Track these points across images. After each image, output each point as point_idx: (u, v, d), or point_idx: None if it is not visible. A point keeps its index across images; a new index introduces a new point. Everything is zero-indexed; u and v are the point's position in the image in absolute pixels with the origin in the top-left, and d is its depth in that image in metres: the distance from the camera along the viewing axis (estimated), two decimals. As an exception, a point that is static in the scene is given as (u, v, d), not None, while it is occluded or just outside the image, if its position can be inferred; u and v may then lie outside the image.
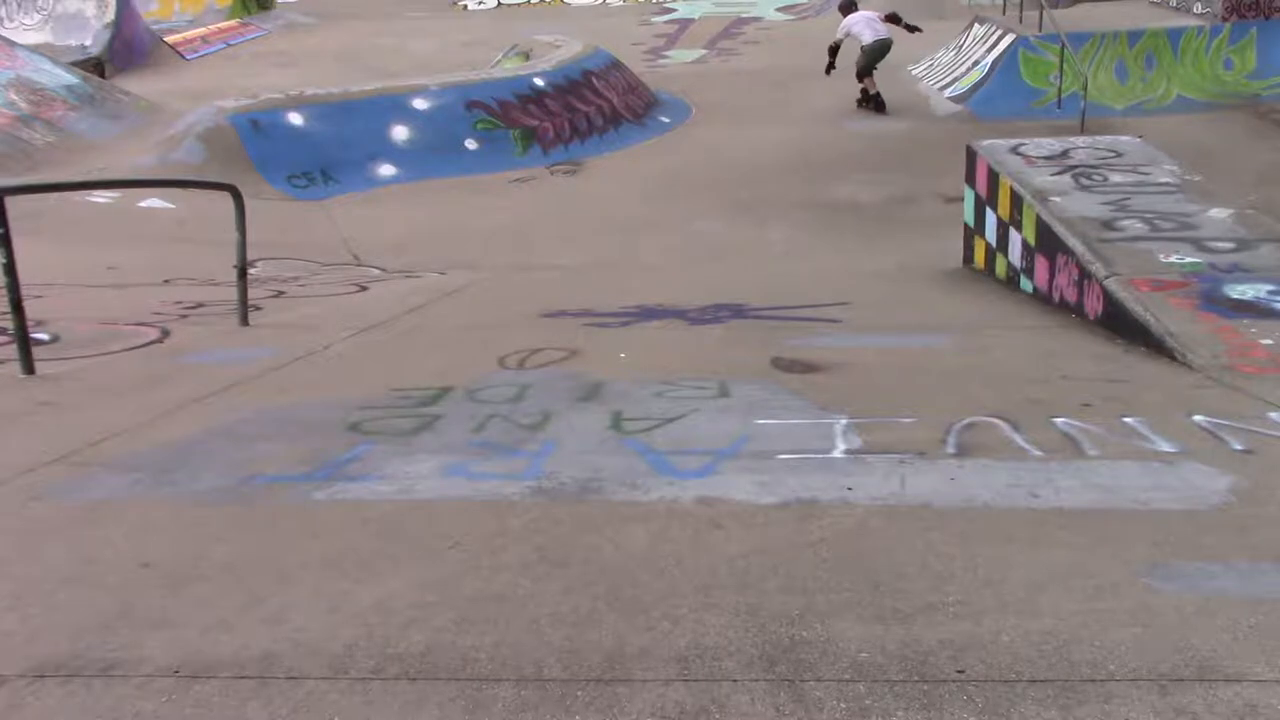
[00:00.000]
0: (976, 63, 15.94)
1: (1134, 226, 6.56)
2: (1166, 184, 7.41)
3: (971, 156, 8.55)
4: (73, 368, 5.25)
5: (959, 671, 2.11)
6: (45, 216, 9.80)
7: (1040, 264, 6.85)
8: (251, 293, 6.69)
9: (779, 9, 27.10)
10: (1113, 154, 8.17)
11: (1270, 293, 5.51)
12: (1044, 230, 6.77)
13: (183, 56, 22.25)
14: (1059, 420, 3.87)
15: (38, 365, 5.05)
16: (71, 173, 12.04)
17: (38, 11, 20.82)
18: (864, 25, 15.09)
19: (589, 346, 5.58)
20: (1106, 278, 5.82)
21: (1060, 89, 14.31)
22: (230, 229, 6.59)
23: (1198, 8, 17.27)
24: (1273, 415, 3.95)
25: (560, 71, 15.57)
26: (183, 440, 3.89)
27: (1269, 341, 4.94)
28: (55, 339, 5.98)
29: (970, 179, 8.54)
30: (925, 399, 4.24)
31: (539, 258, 10.05)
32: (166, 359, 5.56)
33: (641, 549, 2.77)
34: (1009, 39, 15.39)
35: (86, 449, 3.80)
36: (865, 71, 15.04)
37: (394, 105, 14.07)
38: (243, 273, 6.44)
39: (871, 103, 15.23)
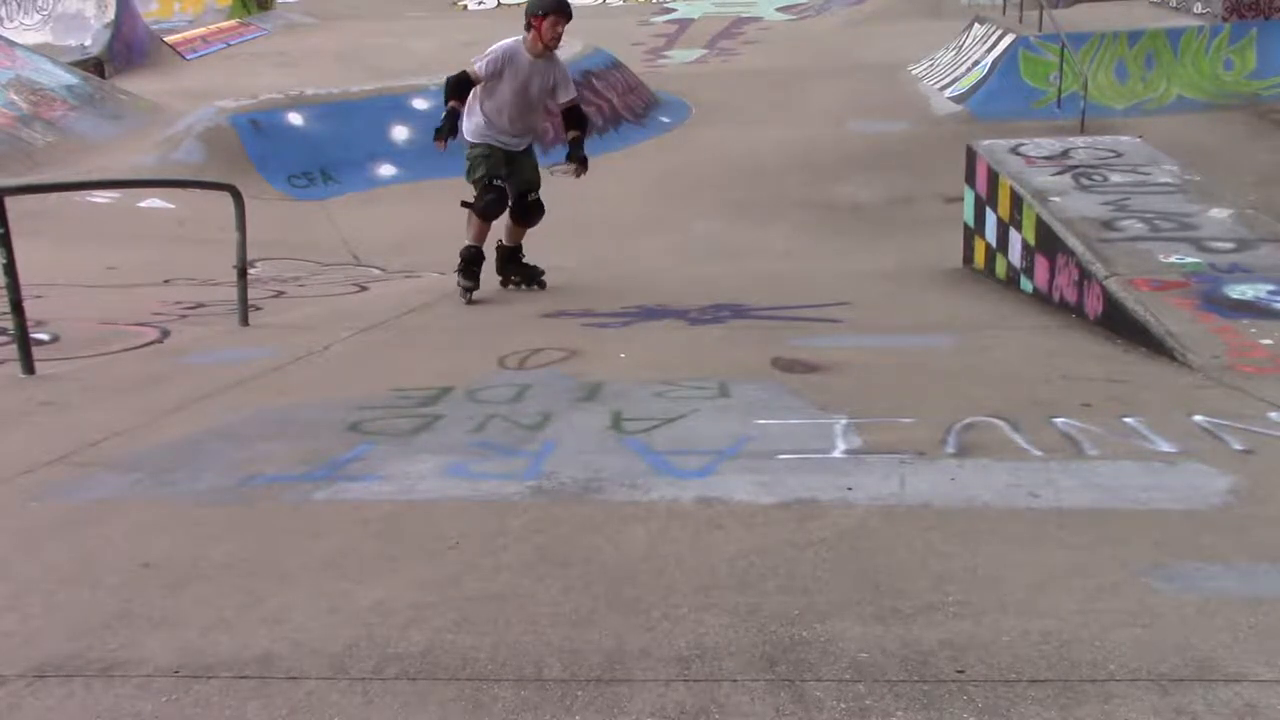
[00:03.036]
0: (976, 63, 15.95)
1: (1134, 226, 6.55)
2: (1166, 184, 7.40)
3: (971, 156, 8.54)
4: (73, 368, 5.25)
5: (959, 671, 2.11)
6: (45, 216, 9.80)
7: (1040, 264, 6.85)
8: (251, 293, 6.68)
9: (779, 9, 27.11)
10: (1113, 154, 8.17)
11: (1270, 293, 5.51)
12: (1044, 230, 6.76)
13: (182, 56, 22.24)
14: (1059, 420, 3.86)
15: (38, 365, 5.05)
16: (71, 173, 12.04)
17: (38, 11, 20.82)
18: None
19: (589, 346, 5.57)
20: (1106, 278, 5.82)
21: (1060, 89, 14.31)
22: (230, 229, 6.59)
23: (1198, 8, 17.26)
24: (1273, 415, 3.95)
25: (560, 71, 15.56)
26: (183, 440, 3.89)
27: (1269, 341, 4.93)
28: (55, 339, 5.98)
29: (970, 179, 8.53)
30: (925, 399, 4.24)
31: (538, 258, 10.03)
32: (166, 359, 5.56)
33: (641, 549, 2.77)
34: (1009, 39, 15.39)
35: (86, 449, 3.80)
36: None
37: (394, 105, 14.08)
38: (243, 273, 6.44)
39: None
